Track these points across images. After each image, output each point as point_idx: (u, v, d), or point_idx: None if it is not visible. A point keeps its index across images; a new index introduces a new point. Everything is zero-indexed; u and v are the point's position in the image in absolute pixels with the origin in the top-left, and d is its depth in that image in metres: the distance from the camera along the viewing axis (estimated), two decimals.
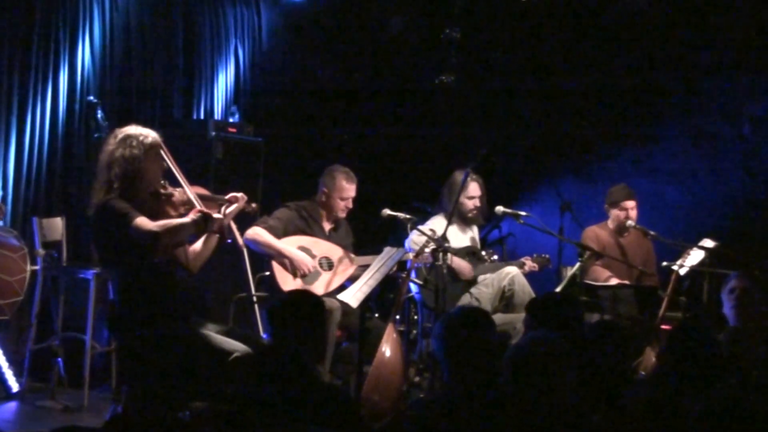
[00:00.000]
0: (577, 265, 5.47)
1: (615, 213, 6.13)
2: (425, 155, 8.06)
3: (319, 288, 5.37)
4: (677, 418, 3.11)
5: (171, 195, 4.15)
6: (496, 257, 6.06)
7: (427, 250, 5.35)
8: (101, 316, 5.39)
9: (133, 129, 4.14)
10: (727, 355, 3.81)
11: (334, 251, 5.57)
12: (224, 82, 7.41)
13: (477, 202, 5.96)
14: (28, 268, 5.50)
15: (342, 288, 5.30)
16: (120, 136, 4.10)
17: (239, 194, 4.37)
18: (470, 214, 5.98)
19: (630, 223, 6.05)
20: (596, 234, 6.11)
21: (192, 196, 4.12)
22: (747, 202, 7.05)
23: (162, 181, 4.15)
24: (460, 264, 5.81)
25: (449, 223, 5.61)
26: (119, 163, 4.03)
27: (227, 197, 4.35)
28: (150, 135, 4.12)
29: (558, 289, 5.48)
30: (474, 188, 5.92)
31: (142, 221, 3.91)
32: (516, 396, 2.98)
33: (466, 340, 3.15)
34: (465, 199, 5.89)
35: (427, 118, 8.13)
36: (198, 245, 4.35)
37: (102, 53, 6.43)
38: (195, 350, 3.93)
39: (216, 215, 4.13)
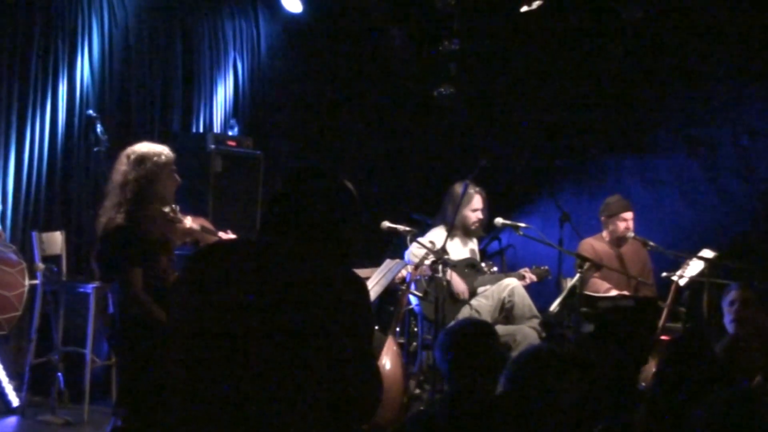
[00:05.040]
0: (577, 276, 5.48)
1: (614, 224, 6.10)
2: (424, 167, 8.07)
3: None
4: (679, 429, 3.11)
5: (179, 221, 4.15)
6: (495, 269, 6.05)
7: (426, 262, 5.34)
8: (101, 330, 5.38)
9: (146, 148, 4.10)
10: (724, 364, 3.80)
11: None
12: (223, 94, 7.40)
13: (480, 215, 5.96)
14: (27, 283, 5.48)
15: None
16: (133, 156, 4.05)
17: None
18: (473, 227, 5.97)
19: (630, 234, 6.04)
20: (592, 246, 6.07)
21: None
22: (746, 212, 7.05)
23: (174, 205, 4.14)
24: (457, 283, 5.76)
25: (449, 235, 5.60)
26: (132, 185, 4.00)
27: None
28: (163, 153, 4.09)
29: (558, 301, 5.46)
30: (478, 201, 5.92)
31: (135, 277, 3.91)
32: (517, 407, 2.97)
33: (469, 352, 3.15)
34: (469, 212, 5.88)
35: (425, 129, 8.14)
36: None
37: (101, 67, 6.43)
38: None
39: None
